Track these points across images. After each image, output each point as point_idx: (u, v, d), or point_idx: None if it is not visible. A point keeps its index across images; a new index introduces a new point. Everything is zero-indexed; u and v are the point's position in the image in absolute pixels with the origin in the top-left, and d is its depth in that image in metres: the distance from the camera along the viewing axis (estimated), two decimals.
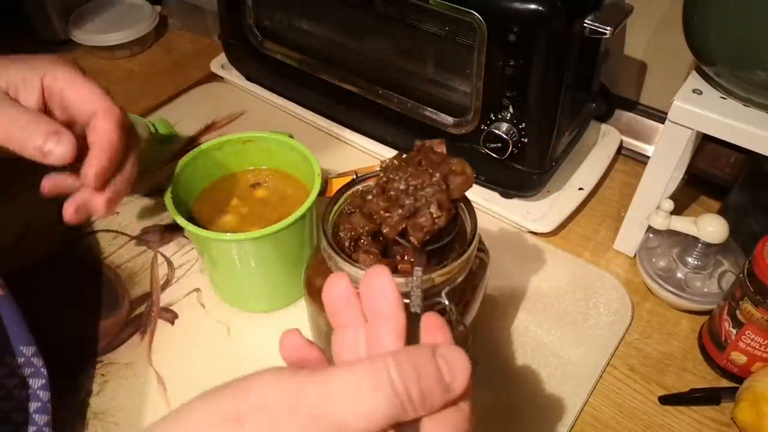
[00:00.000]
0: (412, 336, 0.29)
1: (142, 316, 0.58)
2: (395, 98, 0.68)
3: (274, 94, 0.81)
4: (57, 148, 0.41)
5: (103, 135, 0.43)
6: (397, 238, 0.40)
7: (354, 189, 0.47)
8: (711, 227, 0.55)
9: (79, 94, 0.45)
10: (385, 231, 0.40)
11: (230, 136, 0.57)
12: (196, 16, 0.94)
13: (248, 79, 0.83)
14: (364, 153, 0.75)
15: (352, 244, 0.45)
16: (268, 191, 0.58)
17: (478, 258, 0.47)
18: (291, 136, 0.58)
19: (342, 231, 0.45)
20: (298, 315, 0.58)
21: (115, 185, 0.45)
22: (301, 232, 0.53)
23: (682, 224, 0.57)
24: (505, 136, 0.60)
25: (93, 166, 0.43)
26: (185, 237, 0.64)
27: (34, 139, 0.41)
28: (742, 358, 0.52)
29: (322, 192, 0.57)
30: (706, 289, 0.58)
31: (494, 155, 0.62)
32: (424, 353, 0.25)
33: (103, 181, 0.44)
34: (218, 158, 0.57)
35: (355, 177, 0.48)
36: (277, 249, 0.52)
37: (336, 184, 0.67)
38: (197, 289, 0.60)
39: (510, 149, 0.60)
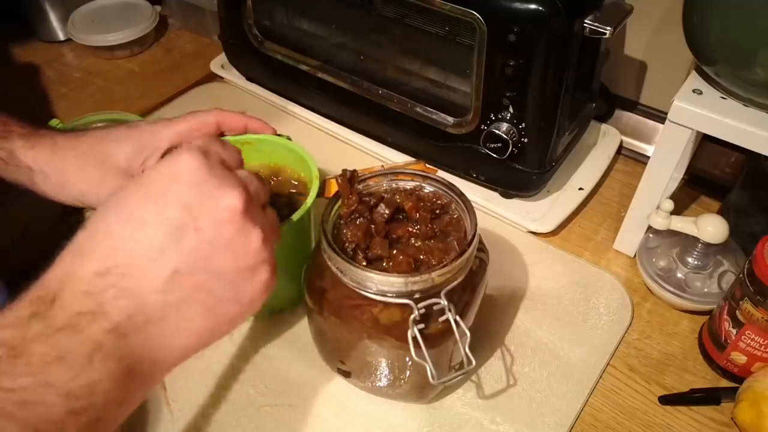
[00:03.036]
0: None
1: None
2: (395, 98, 0.68)
3: (274, 94, 0.81)
4: None
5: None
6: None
7: (355, 189, 0.47)
8: (711, 227, 0.55)
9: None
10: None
11: (229, 138, 0.57)
12: (196, 16, 0.94)
13: (248, 79, 0.83)
14: (364, 153, 0.75)
15: (354, 246, 0.46)
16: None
17: (478, 258, 0.47)
18: (289, 139, 0.58)
19: (346, 234, 0.45)
20: (298, 315, 0.58)
21: None
22: (299, 233, 0.53)
23: (682, 224, 0.57)
24: (505, 136, 0.60)
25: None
26: None
27: None
28: (742, 358, 0.52)
29: (320, 193, 0.57)
30: (706, 289, 0.58)
31: (494, 155, 0.62)
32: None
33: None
34: None
35: (353, 177, 0.48)
36: (276, 250, 0.52)
37: (334, 185, 0.67)
38: None
39: (510, 149, 0.60)
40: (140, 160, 0.51)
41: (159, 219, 0.32)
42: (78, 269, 0.31)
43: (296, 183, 0.56)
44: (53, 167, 0.49)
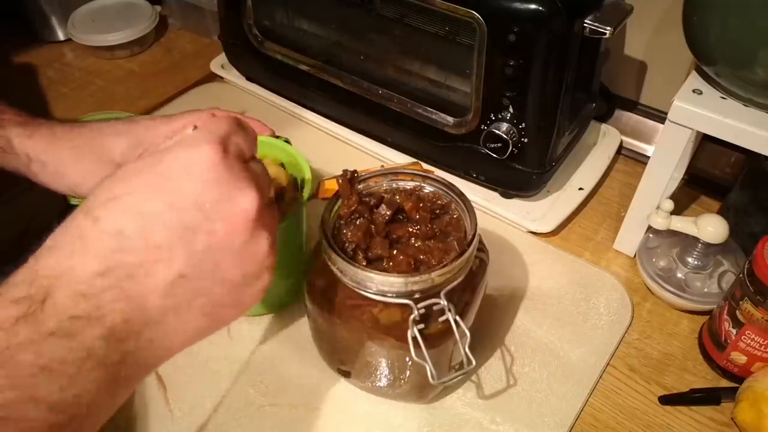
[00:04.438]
0: None
1: None
2: (395, 98, 0.68)
3: (274, 94, 0.81)
4: None
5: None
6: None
7: (355, 189, 0.47)
8: (711, 227, 0.55)
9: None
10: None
11: None
12: (196, 16, 0.94)
13: (248, 79, 0.83)
14: (364, 153, 0.75)
15: (354, 246, 0.46)
16: None
17: (478, 258, 0.47)
18: (288, 141, 0.57)
19: (346, 234, 0.45)
20: (298, 315, 0.58)
21: None
22: (292, 234, 0.53)
23: (682, 224, 0.57)
24: (505, 136, 0.60)
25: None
26: None
27: None
28: (742, 358, 0.52)
29: (315, 194, 0.57)
30: (706, 289, 0.58)
31: (494, 155, 0.62)
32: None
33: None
34: None
35: (353, 177, 0.48)
36: None
37: (328, 186, 0.67)
38: None
39: (510, 149, 0.60)
40: (135, 155, 0.49)
41: (171, 216, 0.29)
42: (76, 267, 0.28)
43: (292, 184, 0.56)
44: (50, 157, 0.49)
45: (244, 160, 0.33)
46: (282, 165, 0.55)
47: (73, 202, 0.59)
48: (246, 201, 0.31)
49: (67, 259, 0.28)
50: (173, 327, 0.31)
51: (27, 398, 0.26)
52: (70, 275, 0.28)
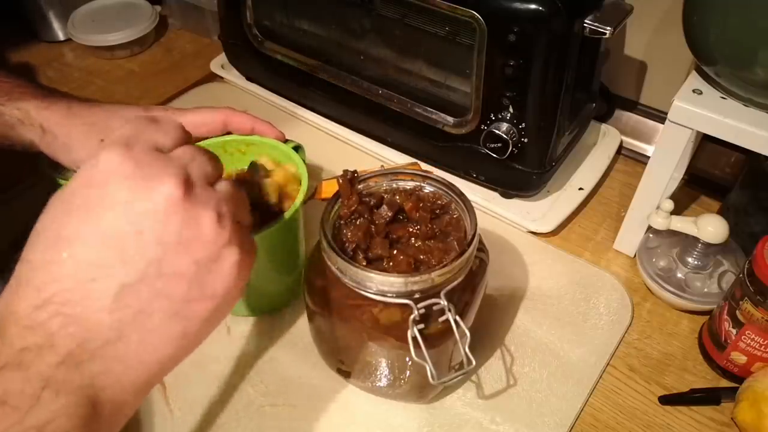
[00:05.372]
0: None
1: None
2: (395, 98, 0.68)
3: (274, 94, 0.81)
4: None
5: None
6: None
7: (355, 189, 0.47)
8: (711, 227, 0.55)
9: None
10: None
11: (234, 137, 0.57)
12: (196, 16, 0.94)
13: (248, 79, 0.83)
14: (364, 153, 0.75)
15: (354, 246, 0.46)
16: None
17: (478, 258, 0.47)
18: (299, 146, 0.57)
19: (346, 234, 0.45)
20: (298, 315, 0.58)
21: None
22: (288, 236, 0.53)
23: (682, 224, 0.57)
24: (505, 136, 0.60)
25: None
26: None
27: None
28: (742, 358, 0.52)
29: (312, 195, 0.57)
30: (706, 289, 0.58)
31: (494, 155, 0.62)
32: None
33: None
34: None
35: (354, 177, 0.48)
36: (265, 253, 0.52)
37: (326, 187, 0.67)
38: None
39: (510, 149, 0.60)
40: None
41: (89, 231, 0.28)
42: (15, 305, 0.28)
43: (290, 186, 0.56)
44: (62, 130, 0.51)
45: (162, 150, 0.32)
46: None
47: (63, 183, 0.59)
48: (165, 187, 0.29)
49: (6, 301, 0.29)
50: (139, 338, 0.29)
51: None
52: (14, 314, 0.28)
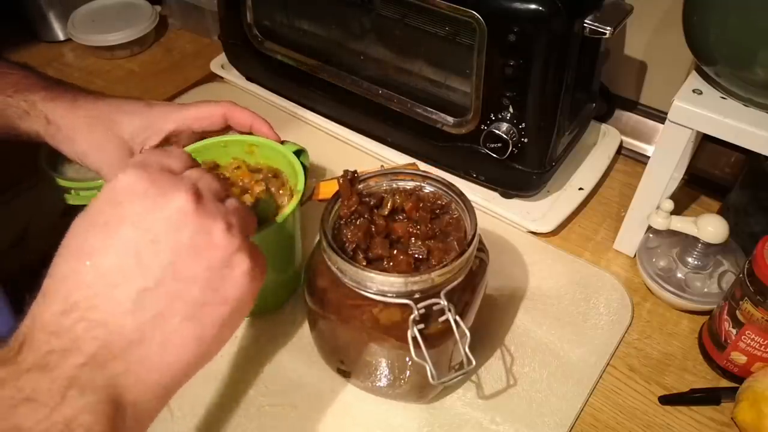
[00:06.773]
0: None
1: None
2: (395, 98, 0.68)
3: (274, 94, 0.81)
4: None
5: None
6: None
7: (354, 189, 0.47)
8: (711, 227, 0.55)
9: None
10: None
11: (234, 137, 0.57)
12: (196, 16, 0.94)
13: (248, 79, 0.83)
14: (364, 153, 0.75)
15: (354, 246, 0.46)
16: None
17: (478, 258, 0.47)
18: (302, 149, 0.57)
19: (346, 234, 0.45)
20: (298, 315, 0.58)
21: None
22: (284, 237, 0.53)
23: (682, 224, 0.57)
24: (505, 136, 0.60)
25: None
26: None
27: None
28: (742, 358, 0.52)
29: (310, 197, 0.57)
30: (706, 289, 0.58)
31: (494, 155, 0.62)
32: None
33: None
34: (219, 155, 0.57)
35: (354, 178, 0.48)
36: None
37: (324, 188, 0.67)
38: None
39: (510, 149, 0.60)
40: (143, 137, 0.53)
41: (109, 243, 0.31)
42: (43, 314, 0.30)
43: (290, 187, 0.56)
44: (66, 122, 0.52)
45: (173, 173, 0.35)
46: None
47: (71, 202, 0.59)
48: (176, 200, 0.32)
49: (35, 312, 0.31)
50: (159, 340, 0.31)
51: (11, 428, 0.27)
52: (39, 322, 0.30)
